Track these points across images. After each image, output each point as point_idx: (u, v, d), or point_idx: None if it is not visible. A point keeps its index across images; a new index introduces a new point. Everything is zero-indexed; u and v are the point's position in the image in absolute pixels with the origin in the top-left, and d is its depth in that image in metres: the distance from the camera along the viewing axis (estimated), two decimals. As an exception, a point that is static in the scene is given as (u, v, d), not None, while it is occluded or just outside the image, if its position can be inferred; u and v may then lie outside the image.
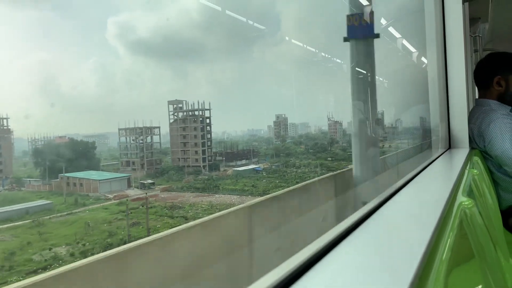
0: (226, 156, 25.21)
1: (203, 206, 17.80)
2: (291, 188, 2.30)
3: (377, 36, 2.29)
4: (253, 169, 23.55)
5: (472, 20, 3.34)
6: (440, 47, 2.09)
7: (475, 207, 0.65)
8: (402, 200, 0.68)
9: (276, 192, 2.18)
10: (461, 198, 0.65)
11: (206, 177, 21.83)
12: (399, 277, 0.36)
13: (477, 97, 2.19)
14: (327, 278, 0.39)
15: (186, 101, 24.58)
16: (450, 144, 1.78)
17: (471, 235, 0.66)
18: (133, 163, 22.46)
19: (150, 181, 20.85)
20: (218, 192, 20.28)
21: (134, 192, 19.04)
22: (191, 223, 1.47)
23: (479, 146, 1.84)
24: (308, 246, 0.50)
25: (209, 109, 24.78)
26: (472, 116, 1.96)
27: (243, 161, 24.55)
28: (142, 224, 15.63)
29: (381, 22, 4.22)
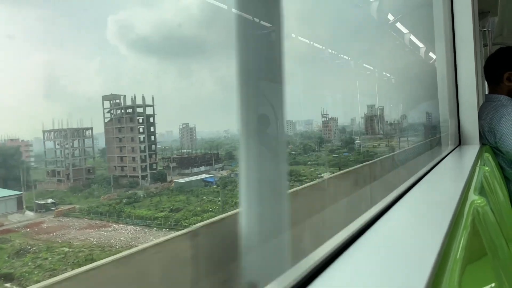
0: (181, 162, 20.66)
1: (61, 250, 12.37)
2: (206, 222, 1.44)
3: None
4: (203, 180, 18.92)
5: (481, 14, 3.29)
6: (449, 42, 2.07)
7: (487, 205, 0.65)
8: (413, 199, 0.69)
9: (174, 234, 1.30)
10: (473, 197, 0.65)
11: (136, 191, 18.01)
12: (414, 278, 0.36)
13: (487, 92, 2.17)
14: (340, 281, 0.40)
15: (124, 95, 19.50)
16: (460, 141, 1.76)
17: (483, 233, 0.67)
18: (59, 173, 18.26)
19: (50, 200, 16.32)
20: (121, 219, 15.65)
21: (18, 218, 14.24)
22: None
23: (490, 142, 1.83)
24: (318, 249, 0.51)
25: (153, 105, 19.75)
26: (482, 112, 1.94)
27: (202, 168, 20.33)
28: None
29: (388, 18, 4.18)
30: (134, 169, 18.57)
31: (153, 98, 19.27)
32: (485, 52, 3.53)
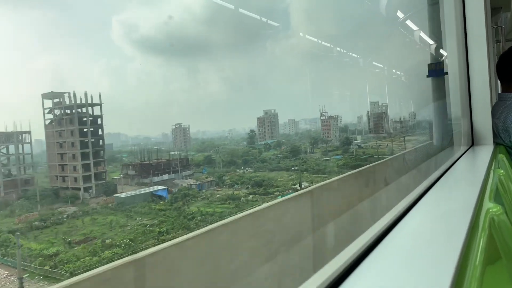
0: (142, 169, 16.67)
1: None
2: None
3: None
4: (153, 193, 15.21)
5: (494, 10, 3.24)
6: (460, 39, 2.05)
7: (503, 214, 0.66)
8: (429, 206, 0.69)
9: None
10: (488, 204, 0.66)
11: (65, 209, 14.27)
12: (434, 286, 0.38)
13: (499, 91, 2.15)
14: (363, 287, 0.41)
15: (69, 93, 16.04)
16: (473, 141, 1.75)
17: (499, 241, 0.67)
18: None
19: None
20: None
21: None
22: None
23: (504, 141, 1.81)
24: (336, 258, 0.52)
25: (100, 104, 16.19)
26: (496, 110, 1.92)
27: (166, 176, 16.77)
28: None
29: (397, 15, 4.15)
30: (75, 179, 15.50)
31: (100, 95, 16.52)
32: (498, 49, 3.48)
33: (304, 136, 21.79)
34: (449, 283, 0.39)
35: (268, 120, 21.82)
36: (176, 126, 22.25)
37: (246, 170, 17.79)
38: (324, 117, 21.04)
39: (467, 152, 1.46)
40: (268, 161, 18.78)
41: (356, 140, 19.51)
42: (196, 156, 19.70)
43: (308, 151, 19.62)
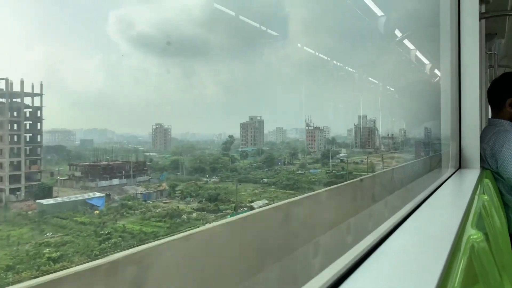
0: (89, 171, 14.92)
1: None
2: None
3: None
4: (86, 201, 13.31)
5: (488, 36, 3.33)
6: (454, 63, 2.10)
7: (483, 241, 0.68)
8: (413, 228, 0.71)
9: None
10: (470, 231, 0.68)
11: None
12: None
13: (490, 116, 2.20)
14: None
15: (5, 80, 13.32)
16: (460, 164, 1.78)
17: (477, 264, 0.69)
18: None
19: None
20: None
21: None
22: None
23: (491, 166, 1.85)
24: (316, 277, 0.53)
25: (41, 94, 14.00)
26: (485, 135, 1.97)
27: (116, 180, 14.92)
28: None
29: (395, 34, 4.23)
30: (1, 179, 13.46)
31: (41, 84, 13.79)
32: (491, 74, 3.57)
33: (289, 146, 20.72)
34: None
35: (252, 127, 20.11)
36: (157, 126, 20.25)
37: (210, 180, 15.85)
38: (309, 127, 19.60)
39: (454, 174, 1.49)
40: (238, 170, 16.70)
41: (340, 153, 18.28)
42: (170, 159, 17.77)
43: (286, 162, 17.92)
